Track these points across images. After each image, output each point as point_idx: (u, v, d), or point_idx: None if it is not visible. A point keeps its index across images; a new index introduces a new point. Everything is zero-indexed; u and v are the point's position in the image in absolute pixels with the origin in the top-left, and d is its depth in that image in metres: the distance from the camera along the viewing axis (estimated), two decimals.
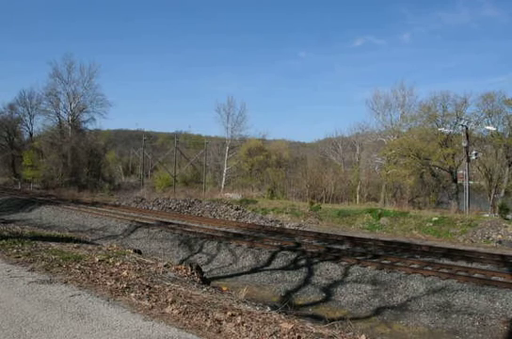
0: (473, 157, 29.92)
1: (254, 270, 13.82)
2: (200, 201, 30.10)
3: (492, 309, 9.71)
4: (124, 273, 5.76)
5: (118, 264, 6.38)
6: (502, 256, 14.09)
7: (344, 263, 13.16)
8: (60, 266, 6.05)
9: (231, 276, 13.49)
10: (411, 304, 10.53)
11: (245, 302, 5.36)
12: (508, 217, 23.99)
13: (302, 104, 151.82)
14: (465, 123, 30.53)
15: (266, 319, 4.21)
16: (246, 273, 13.72)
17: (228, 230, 19.39)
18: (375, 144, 45.13)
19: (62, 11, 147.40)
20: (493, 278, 11.32)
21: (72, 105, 52.33)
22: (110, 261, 6.53)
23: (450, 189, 35.56)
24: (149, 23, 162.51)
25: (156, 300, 4.62)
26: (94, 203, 29.74)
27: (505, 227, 21.06)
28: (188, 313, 4.26)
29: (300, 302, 11.06)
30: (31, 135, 58.53)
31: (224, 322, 4.02)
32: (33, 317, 3.99)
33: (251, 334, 3.76)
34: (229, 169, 52.60)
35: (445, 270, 12.12)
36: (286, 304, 6.33)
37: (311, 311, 10.38)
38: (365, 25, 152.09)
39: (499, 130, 33.40)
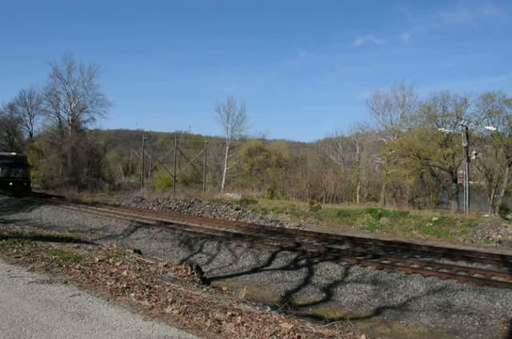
0: (473, 157, 29.94)
1: (254, 270, 13.81)
2: (200, 201, 30.08)
3: (492, 309, 9.70)
4: (124, 273, 5.76)
5: (118, 264, 6.37)
6: (502, 256, 14.08)
7: (344, 263, 13.15)
8: (60, 266, 6.04)
9: (231, 276, 13.47)
10: (411, 304, 10.52)
11: (245, 302, 5.36)
12: (508, 217, 23.97)
13: (302, 105, 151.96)
14: (465, 123, 30.54)
15: (266, 319, 4.21)
16: (246, 273, 13.70)
17: (228, 230, 19.38)
18: (375, 144, 45.15)
19: (62, 11, 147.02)
20: (493, 278, 11.31)
21: (72, 105, 52.38)
22: (110, 261, 6.52)
23: (450, 189, 35.57)
24: (149, 23, 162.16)
25: (156, 300, 4.62)
26: (94, 203, 29.69)
27: (505, 227, 21.07)
28: (188, 313, 4.26)
29: (300, 302, 11.05)
30: (31, 135, 58.58)
31: (224, 322, 4.02)
32: (33, 317, 3.98)
33: (251, 334, 3.76)
34: (229, 169, 52.60)
35: (445, 270, 12.10)
36: (286, 304, 6.31)
37: (311, 311, 10.36)
38: (365, 25, 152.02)
39: (499, 130, 33.44)
